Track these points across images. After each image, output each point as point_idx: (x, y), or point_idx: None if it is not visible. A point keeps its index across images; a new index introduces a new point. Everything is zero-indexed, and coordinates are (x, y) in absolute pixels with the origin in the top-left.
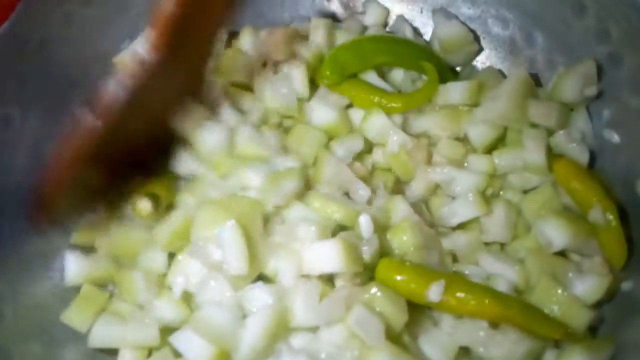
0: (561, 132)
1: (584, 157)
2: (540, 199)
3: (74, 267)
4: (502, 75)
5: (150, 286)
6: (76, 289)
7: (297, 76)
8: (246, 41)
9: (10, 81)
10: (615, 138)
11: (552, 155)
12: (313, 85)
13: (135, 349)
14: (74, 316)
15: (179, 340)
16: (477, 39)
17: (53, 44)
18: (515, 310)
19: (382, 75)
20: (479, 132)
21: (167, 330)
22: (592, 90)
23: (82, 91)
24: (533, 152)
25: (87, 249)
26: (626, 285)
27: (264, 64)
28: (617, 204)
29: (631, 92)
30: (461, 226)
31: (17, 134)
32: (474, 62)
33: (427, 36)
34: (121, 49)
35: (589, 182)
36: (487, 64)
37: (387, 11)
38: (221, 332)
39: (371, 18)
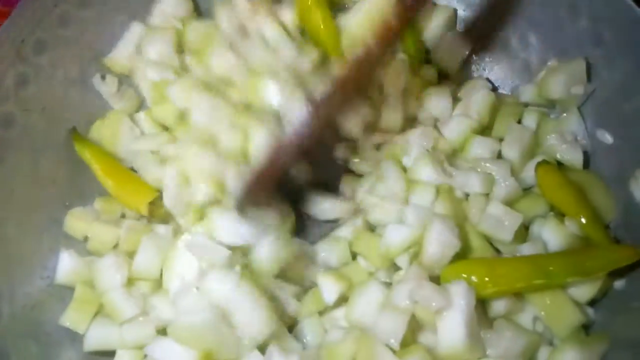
0: (554, 134)
1: (577, 158)
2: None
3: (67, 265)
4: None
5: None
6: (72, 289)
7: (279, 36)
8: (222, 14)
9: (8, 81)
10: (608, 139)
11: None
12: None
13: (132, 350)
14: (72, 318)
15: (156, 350)
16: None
17: (49, 45)
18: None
19: None
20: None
21: (164, 330)
22: (579, 89)
23: (79, 91)
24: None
25: (82, 246)
26: (619, 284)
27: (245, 33)
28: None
29: (624, 93)
30: None
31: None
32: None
33: None
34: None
35: (566, 190)
36: (482, 66)
37: None
38: (203, 334)
39: None
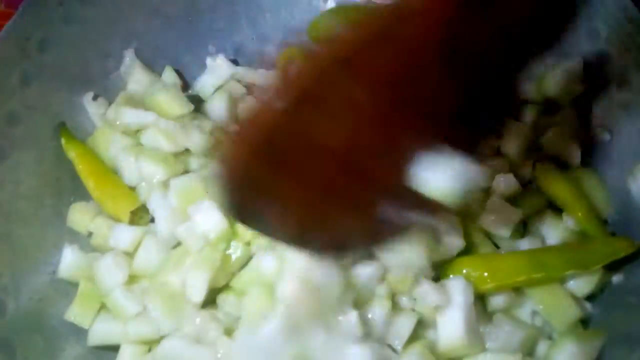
0: (552, 131)
1: (574, 156)
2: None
3: (69, 261)
4: None
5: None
6: (76, 284)
7: None
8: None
9: (13, 79)
10: (606, 135)
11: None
12: None
13: (136, 344)
14: (77, 313)
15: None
16: None
17: (53, 43)
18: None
19: None
20: None
21: None
22: (576, 87)
23: (82, 89)
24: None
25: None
26: (616, 279)
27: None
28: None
29: (620, 89)
30: None
31: None
32: None
33: None
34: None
35: (564, 186)
36: None
37: None
38: None
39: None
